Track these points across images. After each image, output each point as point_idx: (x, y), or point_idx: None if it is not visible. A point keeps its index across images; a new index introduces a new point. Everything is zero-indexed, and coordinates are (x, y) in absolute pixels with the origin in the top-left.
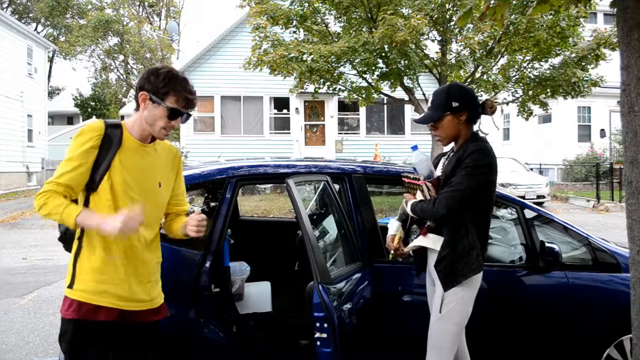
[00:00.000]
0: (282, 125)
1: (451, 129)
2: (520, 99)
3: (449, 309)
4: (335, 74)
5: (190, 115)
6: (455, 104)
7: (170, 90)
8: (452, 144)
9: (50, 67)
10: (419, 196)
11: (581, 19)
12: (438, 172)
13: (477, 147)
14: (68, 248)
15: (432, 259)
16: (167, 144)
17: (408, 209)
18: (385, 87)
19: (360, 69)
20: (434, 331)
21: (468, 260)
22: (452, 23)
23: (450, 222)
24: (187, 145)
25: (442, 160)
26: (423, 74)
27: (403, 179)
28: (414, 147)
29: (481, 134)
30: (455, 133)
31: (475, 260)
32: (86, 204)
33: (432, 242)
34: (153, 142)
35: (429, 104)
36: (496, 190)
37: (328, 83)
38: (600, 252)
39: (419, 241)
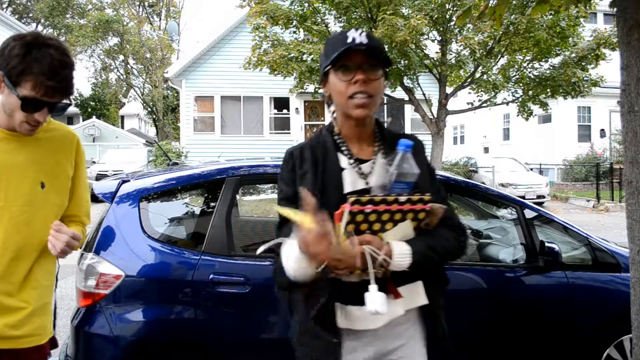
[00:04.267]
0: (282, 125)
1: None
2: (520, 99)
3: None
4: None
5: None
6: (386, 67)
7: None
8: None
9: None
10: (404, 230)
11: (581, 19)
12: (358, 181)
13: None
14: None
15: (407, 324)
16: (62, 129)
17: (403, 260)
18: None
19: None
20: None
21: None
22: (452, 23)
23: None
24: (187, 145)
25: (353, 165)
26: (423, 74)
27: (394, 206)
28: (407, 146)
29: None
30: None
31: None
32: None
33: (420, 296)
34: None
35: (370, 42)
36: (494, 190)
37: None
38: (600, 252)
39: (395, 310)
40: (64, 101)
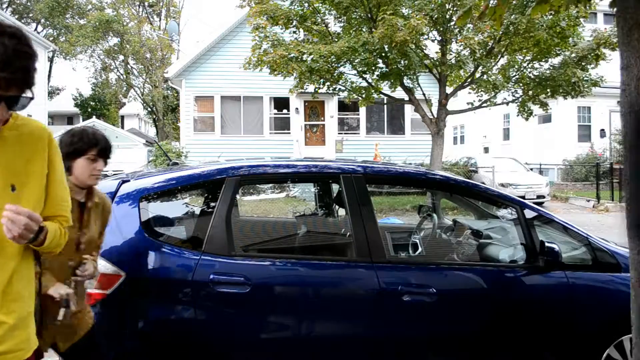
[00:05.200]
0: (282, 125)
1: None
2: (520, 99)
3: None
4: (335, 74)
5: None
6: None
7: None
8: None
9: (50, 67)
10: None
11: (581, 19)
12: None
13: None
14: None
15: None
16: (31, 125)
17: None
18: (385, 87)
19: (360, 69)
20: None
21: None
22: (452, 23)
23: None
24: (187, 145)
25: None
26: (423, 74)
27: None
28: None
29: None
30: None
31: None
32: None
33: None
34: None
35: None
36: (494, 190)
37: (328, 83)
38: (600, 252)
39: None
40: (25, 95)
